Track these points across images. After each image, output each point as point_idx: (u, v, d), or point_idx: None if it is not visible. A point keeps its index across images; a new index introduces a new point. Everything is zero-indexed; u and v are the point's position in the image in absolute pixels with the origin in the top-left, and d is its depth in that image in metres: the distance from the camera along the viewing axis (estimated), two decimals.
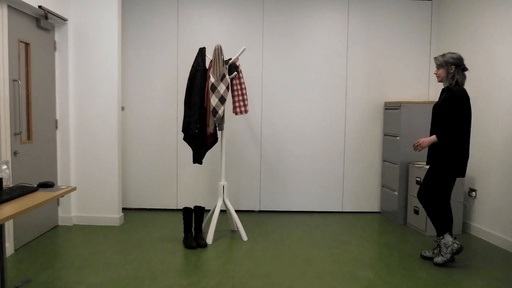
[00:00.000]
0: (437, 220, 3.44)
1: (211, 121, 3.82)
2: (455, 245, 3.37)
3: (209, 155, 5.02)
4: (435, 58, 3.45)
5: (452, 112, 3.30)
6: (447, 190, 3.42)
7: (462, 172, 3.38)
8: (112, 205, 4.42)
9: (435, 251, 3.53)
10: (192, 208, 3.90)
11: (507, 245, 3.86)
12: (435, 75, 3.51)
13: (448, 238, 3.39)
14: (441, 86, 4.93)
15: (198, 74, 3.85)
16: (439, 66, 3.42)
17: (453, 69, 3.35)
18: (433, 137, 3.37)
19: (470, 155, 4.39)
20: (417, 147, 3.43)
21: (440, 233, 3.44)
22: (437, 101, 3.48)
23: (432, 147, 3.45)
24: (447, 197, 3.44)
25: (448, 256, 3.38)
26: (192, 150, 3.98)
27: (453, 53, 3.38)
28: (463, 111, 3.26)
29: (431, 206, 3.45)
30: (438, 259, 3.41)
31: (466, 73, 4.33)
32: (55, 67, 4.27)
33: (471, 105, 4.36)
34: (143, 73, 5.00)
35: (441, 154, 3.36)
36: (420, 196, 3.52)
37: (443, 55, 3.40)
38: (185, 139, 3.99)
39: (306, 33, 5.01)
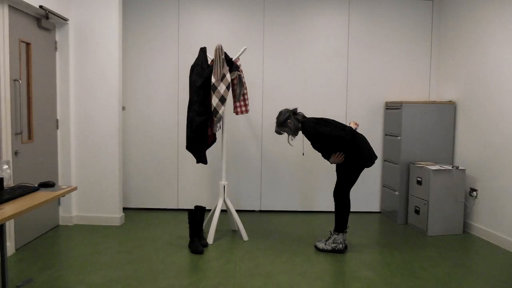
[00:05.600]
0: (339, 217, 3.72)
1: (215, 121, 3.81)
2: (341, 245, 3.70)
3: (210, 155, 5.02)
4: (275, 132, 3.77)
5: (321, 140, 3.62)
6: (351, 185, 3.71)
7: (371, 161, 3.67)
8: (113, 205, 4.42)
9: (327, 242, 3.77)
10: (197, 209, 3.80)
11: (508, 245, 3.85)
12: (291, 140, 3.83)
13: (340, 238, 3.71)
14: (440, 85, 4.93)
15: (203, 72, 3.82)
16: (284, 132, 3.75)
17: (290, 122, 3.69)
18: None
19: (471, 155, 4.40)
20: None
21: (338, 230, 3.72)
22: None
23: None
24: (348, 193, 3.73)
25: (329, 248, 3.72)
26: (196, 153, 3.91)
27: (278, 115, 3.72)
28: (322, 132, 3.57)
29: (339, 203, 3.72)
30: (320, 245, 3.76)
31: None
32: (56, 67, 4.27)
33: (475, 104, 4.37)
34: (144, 73, 5.00)
35: (348, 157, 3.63)
36: (334, 194, 3.76)
37: (276, 124, 3.73)
38: (188, 148, 3.90)
39: (307, 32, 5.01)
